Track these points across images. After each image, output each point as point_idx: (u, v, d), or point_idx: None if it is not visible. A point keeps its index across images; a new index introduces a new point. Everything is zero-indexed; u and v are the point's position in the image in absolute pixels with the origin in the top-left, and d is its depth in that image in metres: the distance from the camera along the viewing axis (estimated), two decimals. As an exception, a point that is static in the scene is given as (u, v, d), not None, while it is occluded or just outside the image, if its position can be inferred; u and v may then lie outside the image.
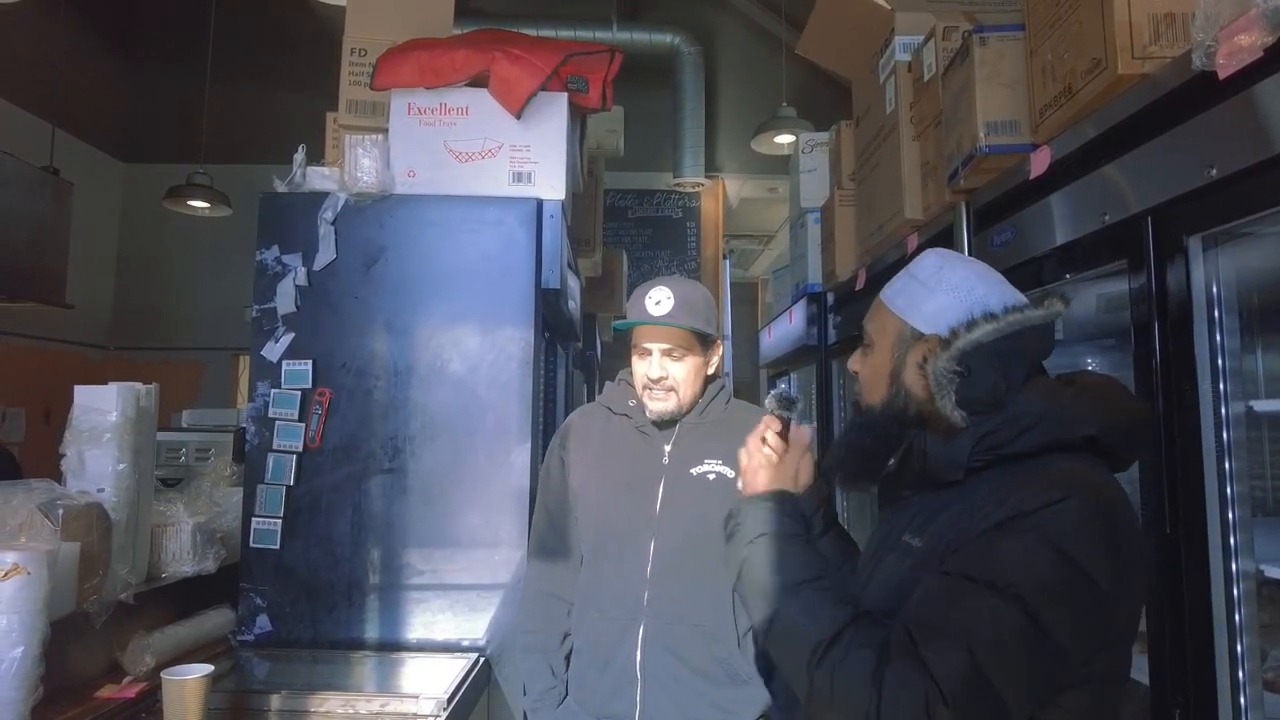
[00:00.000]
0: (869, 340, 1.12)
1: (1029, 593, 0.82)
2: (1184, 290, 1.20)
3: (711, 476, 1.59)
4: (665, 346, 1.57)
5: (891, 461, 1.07)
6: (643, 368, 1.59)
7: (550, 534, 1.70)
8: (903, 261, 1.10)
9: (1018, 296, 1.03)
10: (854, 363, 1.14)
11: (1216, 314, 1.19)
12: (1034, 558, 0.84)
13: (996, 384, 0.97)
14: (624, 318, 1.64)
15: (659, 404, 1.58)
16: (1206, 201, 1.15)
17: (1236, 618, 1.14)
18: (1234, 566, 1.15)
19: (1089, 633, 0.85)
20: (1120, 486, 0.93)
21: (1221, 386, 1.18)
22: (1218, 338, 1.19)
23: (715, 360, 1.65)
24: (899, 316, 1.06)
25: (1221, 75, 1.08)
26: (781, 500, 1.10)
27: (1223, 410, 1.17)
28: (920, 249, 2.11)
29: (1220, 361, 1.18)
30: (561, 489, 1.68)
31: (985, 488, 0.94)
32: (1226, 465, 1.16)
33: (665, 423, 1.61)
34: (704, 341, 1.60)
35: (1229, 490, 1.16)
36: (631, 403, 1.65)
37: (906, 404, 1.05)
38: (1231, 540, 1.15)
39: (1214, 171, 1.12)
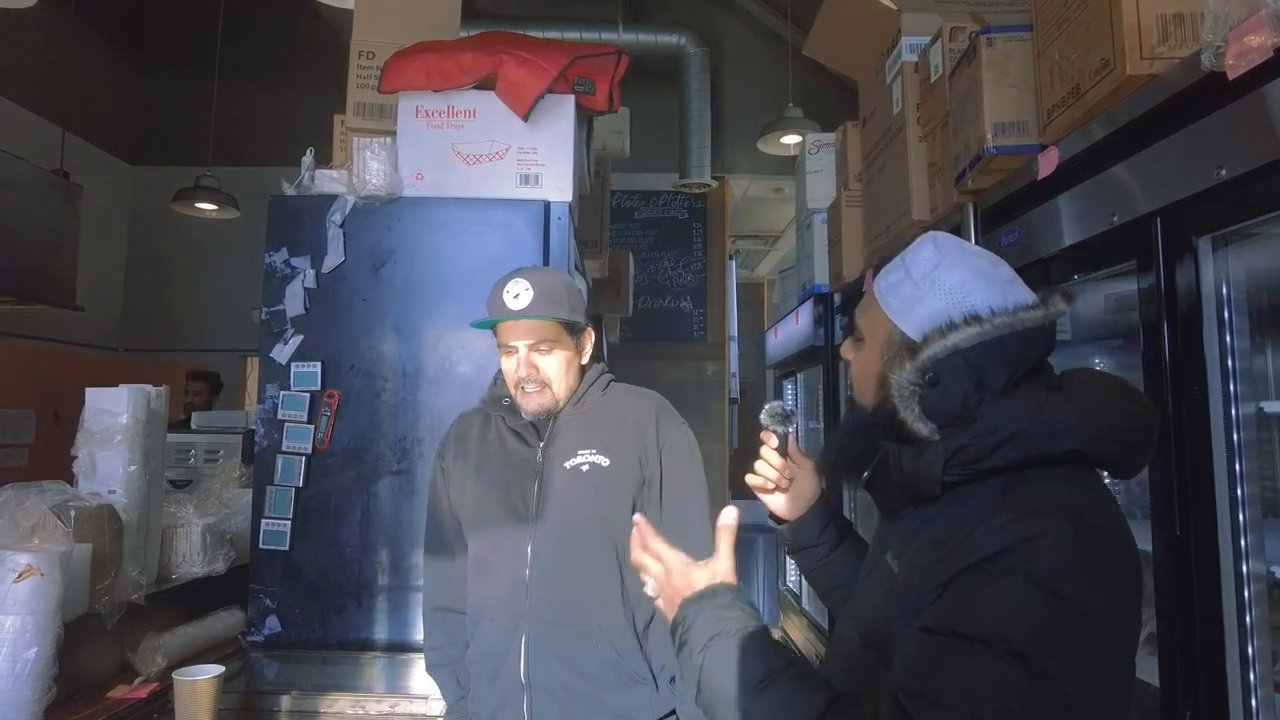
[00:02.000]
0: (859, 334, 1.04)
1: (1026, 644, 0.75)
2: (1193, 291, 1.20)
3: (585, 468, 1.51)
4: (530, 341, 1.49)
5: (865, 475, 1.02)
6: (510, 366, 1.51)
7: (439, 547, 1.63)
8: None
9: (1020, 295, 0.95)
10: (846, 350, 1.07)
11: (1226, 315, 1.19)
12: (1023, 602, 0.77)
13: (968, 395, 0.90)
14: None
15: (532, 402, 1.50)
16: (1216, 202, 1.15)
17: (1247, 619, 1.14)
18: (1244, 568, 1.14)
19: (1095, 674, 0.79)
20: (1107, 498, 0.88)
21: (1231, 387, 1.17)
22: (1227, 338, 1.18)
23: (588, 347, 1.58)
24: (890, 318, 0.98)
25: (1231, 76, 1.08)
26: (721, 593, 0.95)
27: (1233, 411, 1.17)
28: (927, 250, 2.11)
29: (1230, 362, 1.18)
30: (444, 501, 1.62)
31: (962, 508, 0.88)
32: (1237, 467, 1.16)
33: (542, 420, 1.54)
34: (572, 330, 1.53)
35: (1239, 492, 1.15)
36: (506, 402, 1.57)
37: (894, 409, 0.98)
38: (1242, 542, 1.15)
39: (1223, 172, 1.12)
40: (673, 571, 0.97)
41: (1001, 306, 0.92)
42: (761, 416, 1.24)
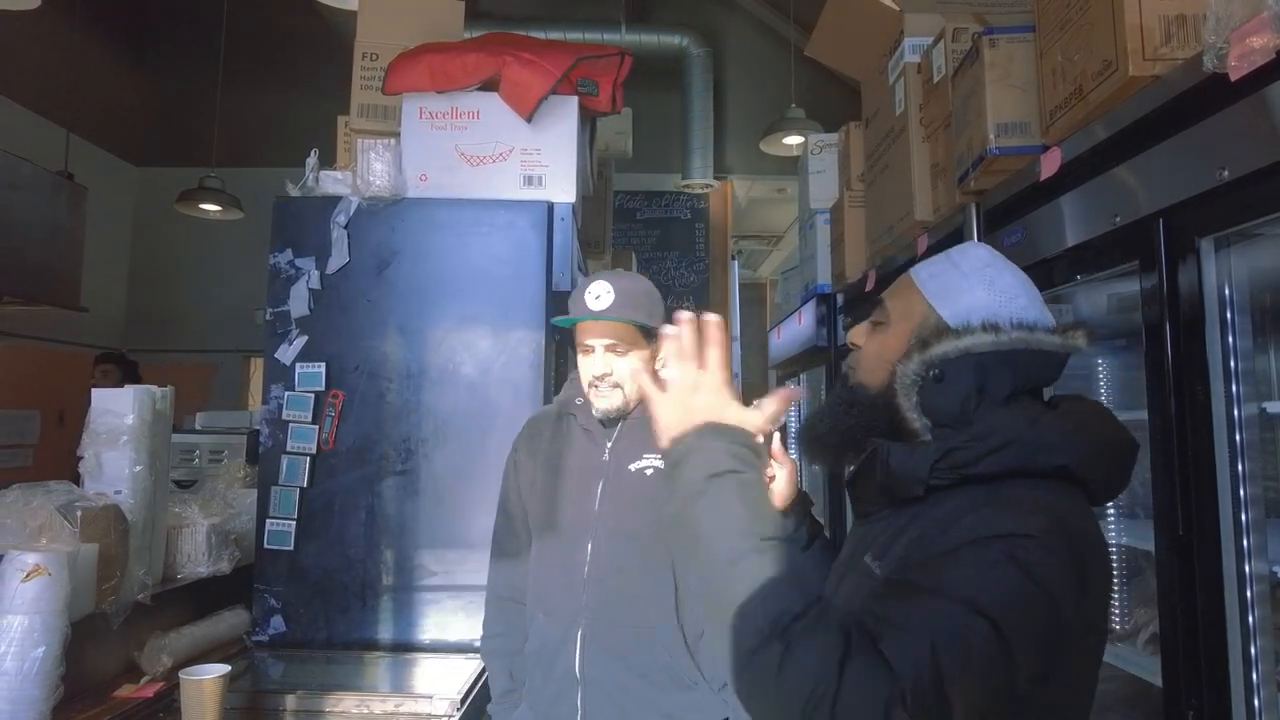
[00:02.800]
0: (885, 318, 1.01)
1: (992, 607, 0.76)
2: (1196, 292, 1.20)
3: (649, 472, 1.54)
4: (607, 342, 1.53)
5: (849, 470, 1.01)
6: (586, 365, 1.55)
7: (507, 538, 1.68)
8: (913, 262, 1.07)
9: (1043, 317, 0.95)
10: (857, 335, 1.04)
11: (1229, 315, 1.19)
12: (1001, 574, 0.78)
13: (968, 397, 0.90)
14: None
15: (604, 401, 1.54)
16: (1218, 203, 1.15)
17: (1250, 620, 1.14)
18: (1247, 569, 1.15)
19: (1042, 656, 0.80)
20: (1089, 513, 0.89)
21: (1234, 388, 1.17)
22: (1230, 339, 1.18)
23: (662, 353, 1.61)
24: (928, 301, 0.96)
25: (1233, 77, 1.08)
26: (744, 438, 0.88)
27: (1235, 412, 1.17)
28: (930, 250, 2.11)
29: (1233, 363, 1.18)
30: (515, 492, 1.66)
31: (945, 510, 0.87)
32: (1239, 467, 1.16)
33: (611, 420, 1.58)
34: (649, 335, 1.56)
35: (1242, 492, 1.15)
36: (579, 401, 1.62)
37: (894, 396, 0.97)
38: (1245, 542, 1.15)
39: (1226, 173, 1.12)
40: (704, 388, 0.90)
41: (1022, 321, 0.92)
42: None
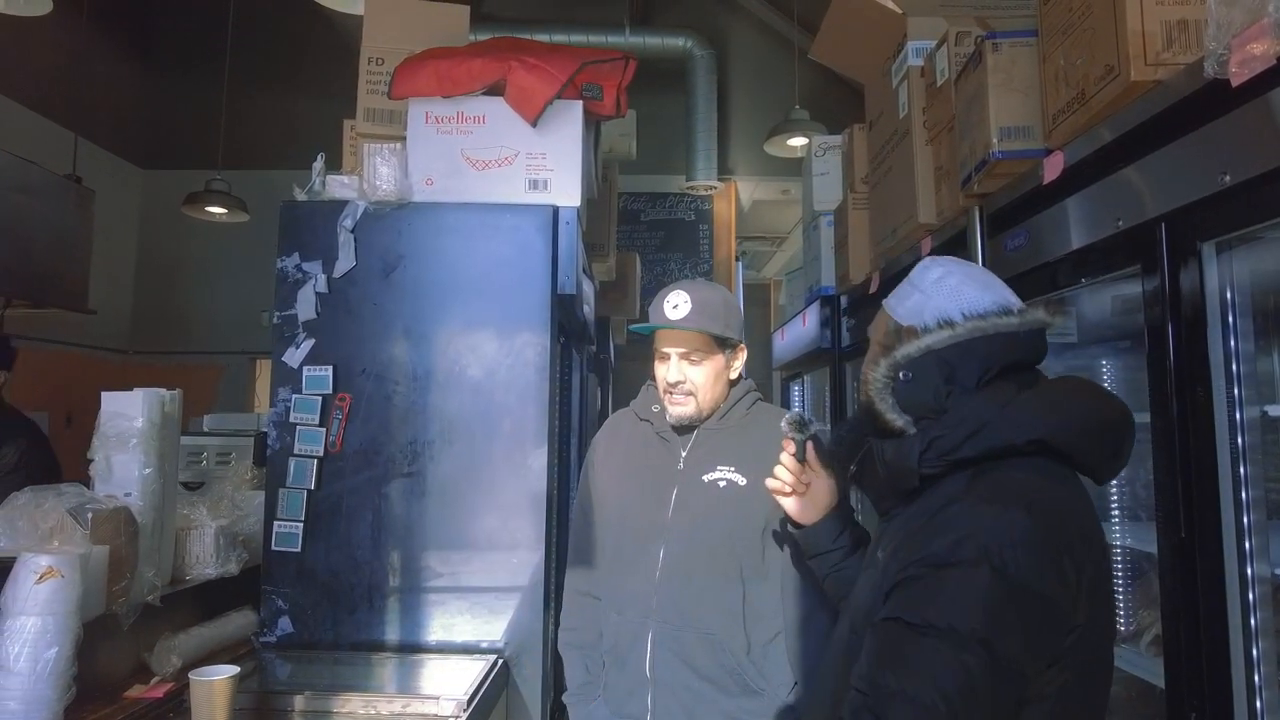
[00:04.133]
0: (871, 345, 1.15)
1: (982, 628, 0.81)
2: (1198, 295, 1.21)
3: (722, 484, 1.58)
4: (682, 350, 1.57)
5: (852, 468, 1.09)
6: (662, 372, 1.60)
7: (584, 536, 1.73)
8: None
9: (999, 300, 1.03)
10: (867, 367, 1.16)
11: (1231, 318, 1.19)
12: (976, 588, 0.83)
13: (938, 389, 0.98)
14: (641, 321, 1.64)
15: (678, 409, 1.58)
16: (1221, 208, 1.16)
17: (1252, 621, 1.15)
18: (1249, 570, 1.15)
19: (1042, 648, 0.84)
20: (1071, 487, 0.94)
21: (1236, 391, 1.18)
22: (1232, 342, 1.19)
23: (738, 364, 1.65)
24: (888, 313, 1.10)
25: (1234, 83, 1.09)
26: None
27: (1237, 415, 1.18)
28: (934, 253, 2.12)
29: (1234, 366, 1.19)
30: (592, 491, 1.72)
31: (932, 497, 0.95)
32: (1241, 470, 1.17)
33: (685, 428, 1.61)
34: (724, 345, 1.59)
35: (1244, 495, 1.16)
36: (655, 408, 1.66)
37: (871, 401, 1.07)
38: (1247, 544, 1.16)
39: (1228, 178, 1.13)
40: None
41: (975, 311, 1.00)
42: (781, 424, 1.33)
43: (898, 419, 1.00)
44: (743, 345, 1.65)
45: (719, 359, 1.59)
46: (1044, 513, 0.87)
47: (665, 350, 1.58)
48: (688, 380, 1.57)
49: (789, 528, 1.37)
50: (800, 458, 1.31)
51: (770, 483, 1.33)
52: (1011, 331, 1.00)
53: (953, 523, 0.88)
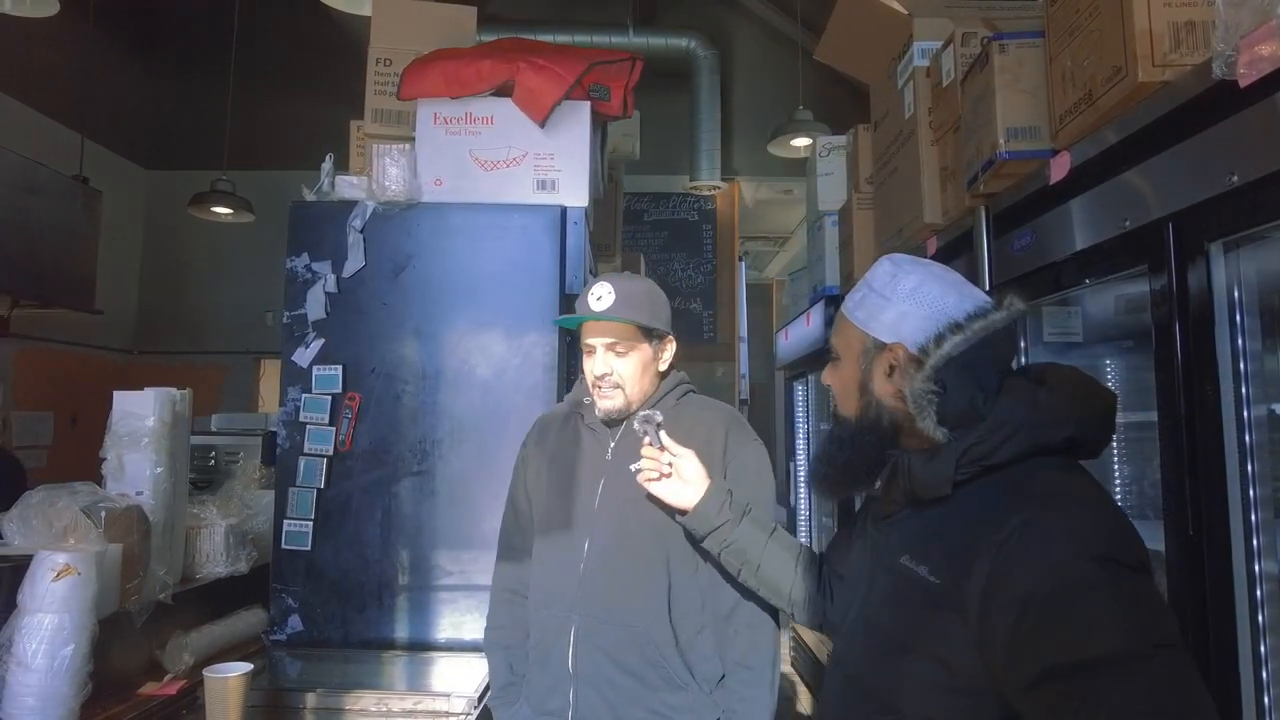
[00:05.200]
0: (835, 354, 1.12)
1: (1136, 630, 0.80)
2: (1205, 294, 1.21)
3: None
4: (608, 341, 1.54)
5: (878, 484, 1.08)
6: (589, 365, 1.57)
7: (514, 532, 1.70)
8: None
9: (977, 298, 1.03)
10: (826, 376, 1.16)
11: (1238, 317, 1.20)
12: (1108, 599, 0.82)
13: (974, 396, 0.97)
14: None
15: (606, 401, 1.56)
16: (1228, 208, 1.17)
17: (1260, 619, 1.16)
18: (1257, 568, 1.16)
19: (1166, 609, 0.86)
20: (1094, 481, 0.96)
21: (1243, 390, 1.19)
22: (1239, 341, 1.20)
23: (666, 355, 1.63)
24: (860, 328, 1.07)
25: (1242, 84, 1.09)
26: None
27: (1244, 413, 1.18)
28: (940, 253, 2.13)
29: (1242, 365, 1.19)
30: (522, 488, 1.68)
31: (975, 502, 0.94)
32: (1249, 468, 1.17)
33: (615, 420, 1.59)
34: (650, 336, 1.57)
35: (1251, 493, 1.17)
36: (586, 400, 1.63)
37: (880, 414, 1.06)
38: (1254, 542, 1.16)
39: (1235, 178, 1.14)
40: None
41: (970, 311, 1.00)
42: (634, 424, 1.45)
43: (938, 433, 0.98)
44: (671, 337, 1.63)
45: (646, 350, 1.57)
46: (1102, 503, 0.90)
47: (590, 342, 1.56)
48: (614, 372, 1.55)
49: (676, 517, 1.41)
50: (657, 445, 1.39)
51: (640, 476, 1.39)
52: (1005, 326, 1.01)
53: (1033, 550, 0.86)
